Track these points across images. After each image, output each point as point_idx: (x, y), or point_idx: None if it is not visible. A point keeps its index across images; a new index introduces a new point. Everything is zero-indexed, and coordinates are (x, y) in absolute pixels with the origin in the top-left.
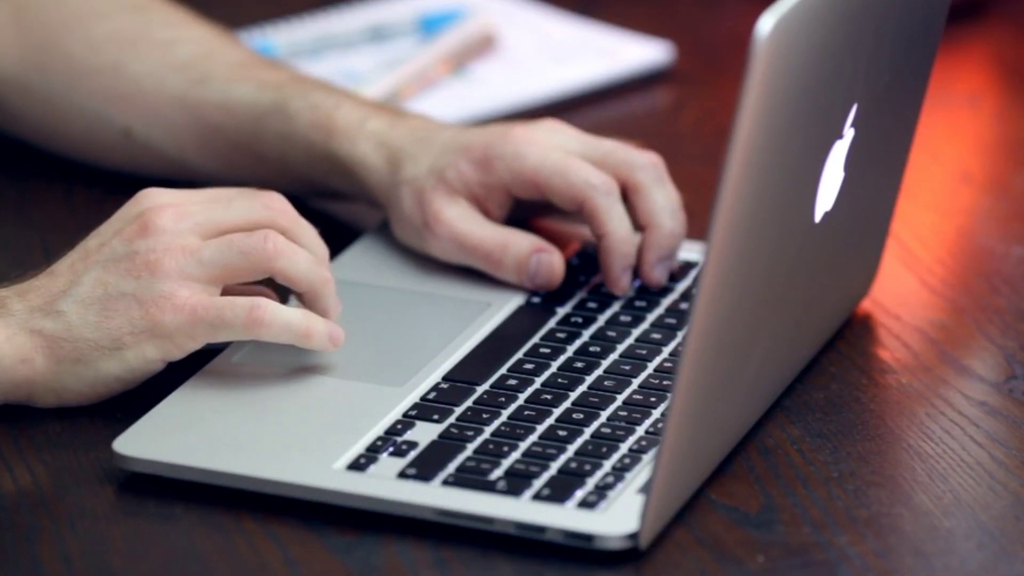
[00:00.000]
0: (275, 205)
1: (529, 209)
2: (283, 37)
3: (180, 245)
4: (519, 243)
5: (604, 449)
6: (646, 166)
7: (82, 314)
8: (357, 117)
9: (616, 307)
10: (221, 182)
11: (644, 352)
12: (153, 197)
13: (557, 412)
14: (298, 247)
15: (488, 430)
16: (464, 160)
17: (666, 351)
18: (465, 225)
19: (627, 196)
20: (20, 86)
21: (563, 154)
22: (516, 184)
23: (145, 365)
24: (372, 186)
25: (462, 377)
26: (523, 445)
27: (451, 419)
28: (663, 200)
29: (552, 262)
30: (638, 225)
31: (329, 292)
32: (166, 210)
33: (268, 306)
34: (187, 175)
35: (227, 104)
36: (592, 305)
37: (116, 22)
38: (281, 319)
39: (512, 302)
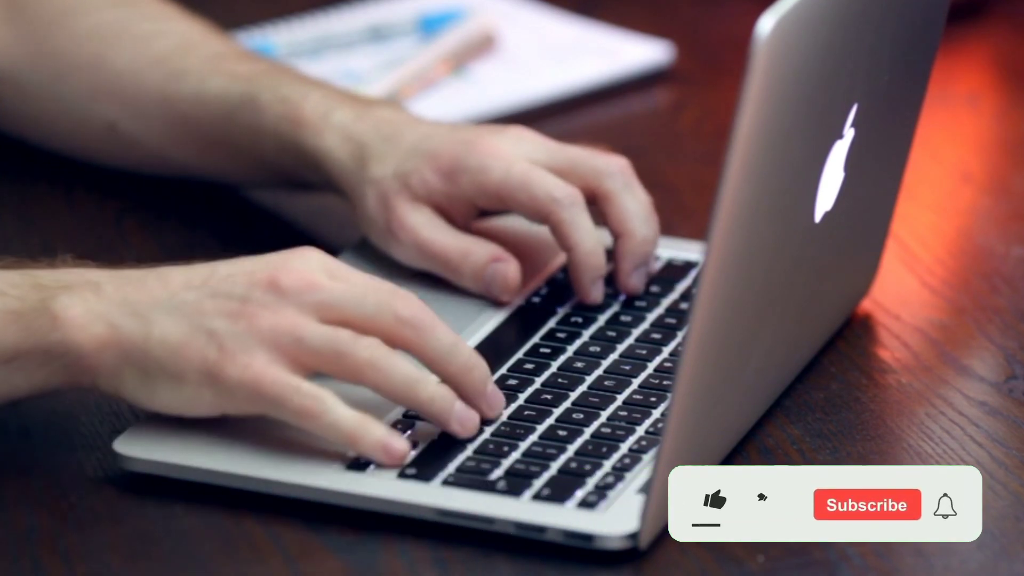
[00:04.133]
0: (406, 312)
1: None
2: (283, 37)
3: (290, 316)
4: (478, 252)
5: (604, 449)
6: (614, 173)
7: (165, 331)
8: (323, 108)
9: (616, 307)
10: (199, 176)
11: (644, 352)
12: (303, 257)
13: (557, 412)
14: (400, 363)
15: (488, 430)
16: (429, 169)
17: (666, 351)
18: (428, 232)
19: (597, 204)
20: (11, 81)
21: (527, 166)
22: (480, 197)
23: (197, 406)
24: (336, 179)
25: None
26: (523, 445)
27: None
28: (634, 206)
29: (507, 272)
30: (611, 232)
31: (434, 411)
32: (301, 276)
33: (324, 401)
34: (170, 170)
35: (201, 98)
36: (592, 305)
37: (100, 16)
38: (329, 417)
39: (512, 302)
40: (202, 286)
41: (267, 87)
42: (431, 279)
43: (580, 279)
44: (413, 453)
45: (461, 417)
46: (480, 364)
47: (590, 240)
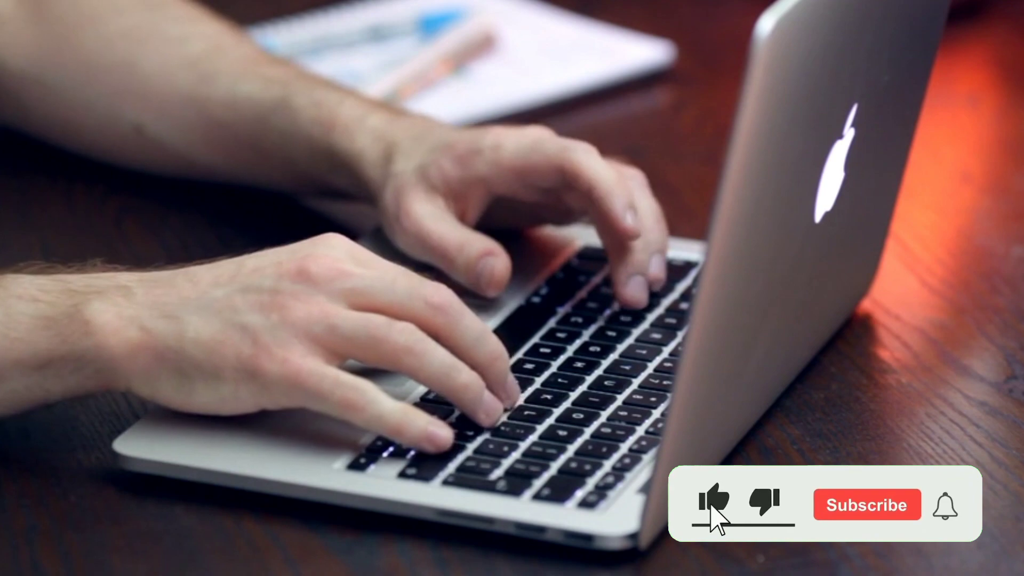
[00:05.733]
0: (436, 299)
1: (518, 220)
2: (283, 37)
3: (322, 304)
4: (474, 244)
5: (604, 449)
6: (633, 175)
7: (198, 330)
8: (359, 113)
9: (616, 307)
10: (228, 179)
11: (644, 352)
12: (329, 244)
13: (557, 412)
14: (436, 349)
15: (488, 430)
16: (446, 158)
17: (666, 351)
18: (430, 222)
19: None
20: (35, 82)
21: (540, 135)
22: (495, 177)
23: (236, 403)
24: (366, 179)
25: None
26: (523, 445)
27: (451, 419)
28: (647, 205)
29: (495, 266)
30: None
31: (467, 399)
32: (330, 264)
33: (367, 393)
34: (196, 172)
35: (233, 101)
36: (592, 305)
37: (129, 19)
38: (373, 410)
39: (512, 302)
40: (231, 282)
41: (301, 91)
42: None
43: (612, 207)
44: (412, 453)
45: (488, 407)
46: (504, 354)
47: (611, 172)
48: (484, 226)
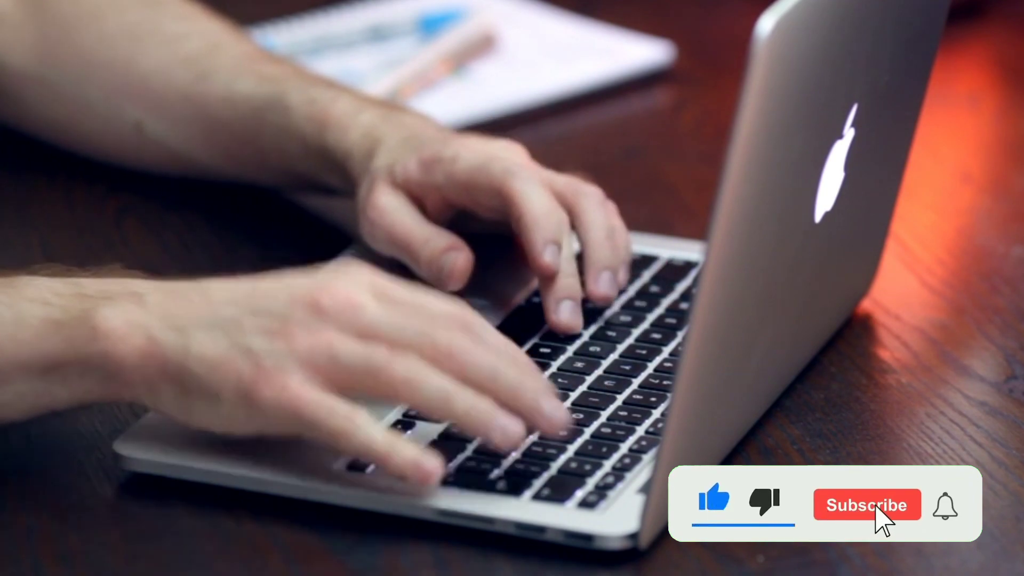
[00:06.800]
0: (443, 341)
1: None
2: (283, 37)
3: (328, 336)
4: (439, 240)
5: (604, 449)
6: (589, 192)
7: (203, 347)
8: (352, 110)
9: (616, 307)
10: (227, 177)
11: (644, 352)
12: (349, 276)
13: None
14: (434, 378)
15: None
16: (412, 159)
17: (666, 351)
18: (396, 215)
19: (572, 224)
20: (35, 80)
21: (497, 156)
22: (449, 188)
23: (232, 424)
24: (353, 175)
25: None
26: (523, 445)
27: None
28: (600, 219)
29: (457, 259)
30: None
31: (472, 425)
32: (344, 298)
33: (356, 419)
34: (195, 170)
35: (229, 98)
36: (592, 305)
37: (129, 16)
38: (361, 438)
39: (512, 302)
40: (243, 302)
41: (296, 89)
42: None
43: (532, 241)
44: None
45: (504, 428)
46: (525, 381)
47: (544, 203)
48: (463, 230)
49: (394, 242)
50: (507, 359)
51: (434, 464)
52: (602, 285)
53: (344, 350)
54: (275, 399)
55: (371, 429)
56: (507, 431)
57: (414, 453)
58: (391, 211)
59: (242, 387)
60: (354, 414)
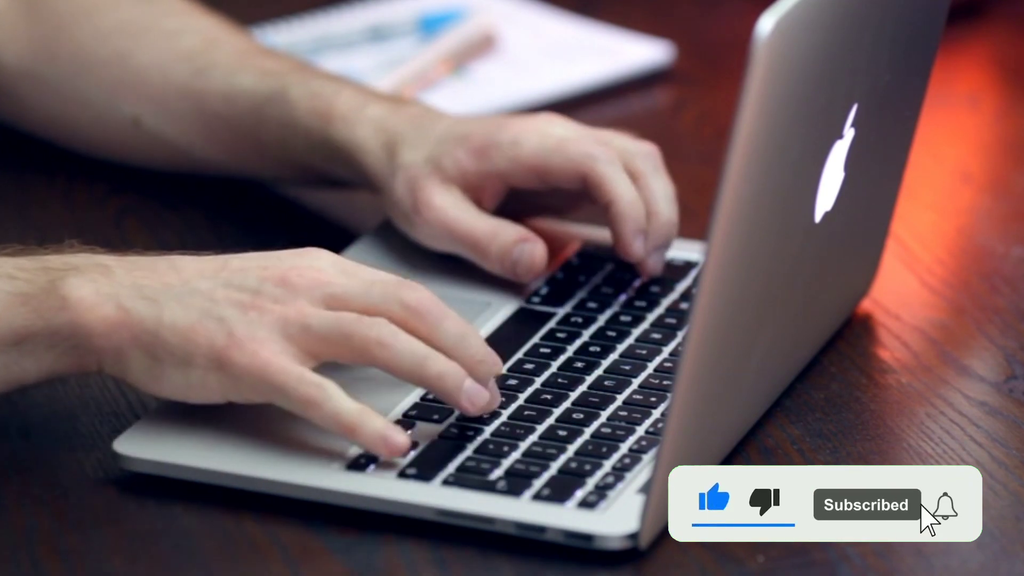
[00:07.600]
0: (413, 301)
1: (522, 209)
2: (283, 37)
3: (299, 306)
4: (507, 232)
5: (604, 449)
6: (645, 154)
7: (175, 315)
8: (357, 103)
9: (616, 307)
10: (226, 172)
11: (644, 352)
12: (314, 257)
13: (557, 412)
14: (410, 342)
15: (488, 430)
16: (461, 149)
17: (666, 351)
18: (456, 212)
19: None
20: (30, 77)
21: (561, 134)
22: (513, 172)
23: (203, 391)
24: (368, 170)
25: None
26: (523, 445)
27: (451, 419)
28: (661, 188)
29: (534, 251)
30: None
31: (444, 388)
32: (312, 275)
33: (327, 390)
34: (194, 166)
35: (229, 93)
36: (592, 305)
37: (124, 12)
38: (330, 408)
39: (512, 302)
40: (215, 276)
41: (297, 82)
42: (429, 279)
43: (623, 231)
44: (413, 453)
45: (471, 394)
46: (487, 357)
47: (631, 192)
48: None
49: (457, 239)
50: (472, 329)
51: (402, 438)
52: (654, 260)
53: (316, 318)
54: (247, 365)
55: (341, 400)
56: (474, 398)
57: (382, 424)
58: (448, 208)
59: (214, 353)
60: (324, 384)
